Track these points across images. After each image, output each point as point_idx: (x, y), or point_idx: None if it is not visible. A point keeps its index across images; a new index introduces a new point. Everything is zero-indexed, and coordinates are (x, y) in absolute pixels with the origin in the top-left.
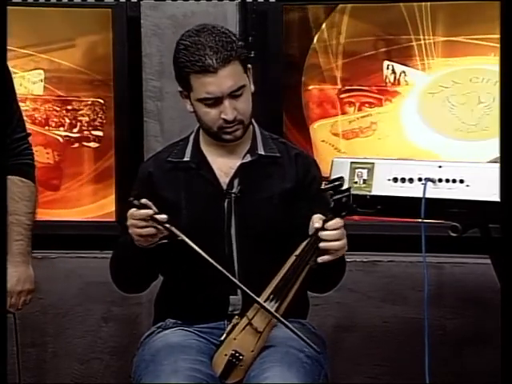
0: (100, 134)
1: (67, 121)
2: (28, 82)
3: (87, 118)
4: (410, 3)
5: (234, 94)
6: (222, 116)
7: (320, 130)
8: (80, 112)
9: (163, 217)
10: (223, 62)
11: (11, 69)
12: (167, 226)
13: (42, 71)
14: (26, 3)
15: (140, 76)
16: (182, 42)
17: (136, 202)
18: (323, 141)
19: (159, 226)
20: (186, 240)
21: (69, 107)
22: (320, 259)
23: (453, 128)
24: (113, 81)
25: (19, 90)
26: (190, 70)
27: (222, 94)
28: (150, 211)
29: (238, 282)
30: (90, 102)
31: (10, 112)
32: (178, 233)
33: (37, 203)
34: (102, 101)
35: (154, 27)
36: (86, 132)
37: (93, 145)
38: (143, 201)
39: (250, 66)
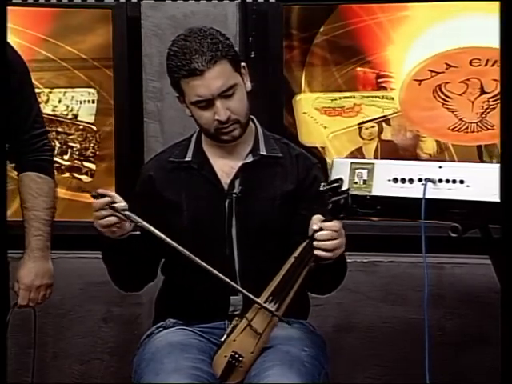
0: (92, 166)
1: (57, 145)
2: (71, 101)
3: (78, 146)
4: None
5: (225, 94)
6: (216, 117)
7: (302, 103)
8: (71, 137)
9: (121, 205)
10: (209, 63)
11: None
12: (126, 213)
13: (94, 90)
14: (26, 3)
15: (140, 76)
16: (171, 48)
17: (94, 192)
18: (304, 113)
19: (118, 214)
20: (147, 226)
21: (59, 129)
22: (315, 251)
23: (446, 127)
24: (113, 81)
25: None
26: (178, 75)
27: (212, 96)
28: (106, 199)
29: (231, 282)
30: (81, 127)
31: (27, 107)
32: (137, 219)
33: (56, 199)
34: (94, 127)
35: (154, 27)
36: (76, 162)
37: (85, 178)
38: (100, 190)
39: (244, 64)
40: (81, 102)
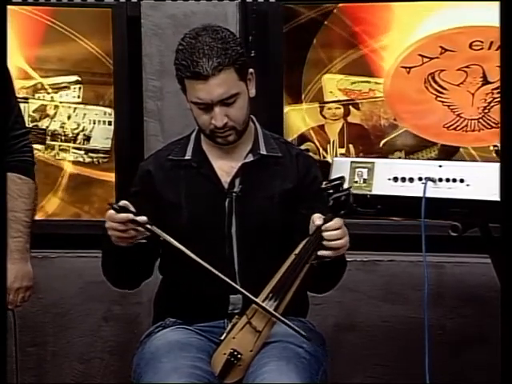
0: None
1: None
2: (82, 118)
3: None
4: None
5: (225, 102)
6: (212, 122)
7: (328, 82)
8: None
9: (143, 218)
10: (214, 69)
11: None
12: (149, 227)
13: (111, 110)
14: (26, 3)
15: (140, 76)
16: (181, 42)
17: (115, 205)
18: (331, 92)
19: (140, 228)
20: (170, 240)
21: None
22: (320, 253)
23: (441, 124)
24: (113, 80)
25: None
26: (182, 73)
27: (212, 101)
28: (129, 215)
29: (230, 281)
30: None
31: (8, 108)
32: (160, 233)
33: (36, 201)
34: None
35: (154, 27)
36: None
37: None
38: (122, 203)
39: (251, 70)
40: (94, 122)
